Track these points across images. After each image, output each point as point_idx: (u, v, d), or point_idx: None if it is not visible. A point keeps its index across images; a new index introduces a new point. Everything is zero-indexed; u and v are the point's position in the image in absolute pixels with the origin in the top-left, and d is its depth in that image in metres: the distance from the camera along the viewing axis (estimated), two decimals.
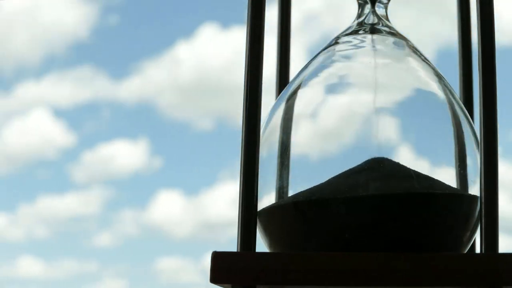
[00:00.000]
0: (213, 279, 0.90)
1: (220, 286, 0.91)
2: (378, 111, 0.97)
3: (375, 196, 0.92)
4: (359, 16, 1.06)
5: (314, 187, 0.94)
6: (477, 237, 0.95)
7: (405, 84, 1.00)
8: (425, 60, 1.02)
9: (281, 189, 0.98)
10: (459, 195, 0.95)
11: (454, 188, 0.96)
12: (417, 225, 0.91)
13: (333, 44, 1.04)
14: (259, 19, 0.96)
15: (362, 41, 1.04)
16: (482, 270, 0.87)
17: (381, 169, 0.94)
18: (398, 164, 0.94)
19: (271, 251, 0.97)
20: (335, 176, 0.94)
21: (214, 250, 0.90)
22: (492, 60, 0.93)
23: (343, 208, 0.92)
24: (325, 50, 1.04)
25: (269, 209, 0.96)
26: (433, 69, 1.02)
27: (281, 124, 1.00)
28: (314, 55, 1.05)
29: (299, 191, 0.95)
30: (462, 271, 0.87)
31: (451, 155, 0.98)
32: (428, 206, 0.92)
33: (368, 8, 1.05)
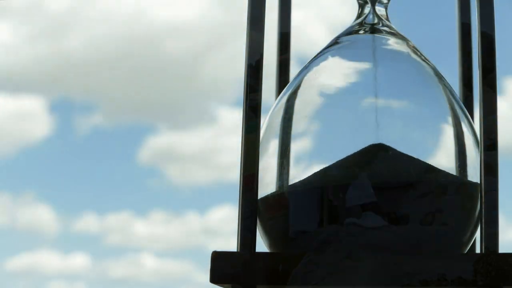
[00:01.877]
0: (213, 279, 0.90)
1: (220, 286, 0.91)
2: (378, 111, 0.97)
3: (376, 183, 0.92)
4: (359, 16, 1.06)
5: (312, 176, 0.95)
6: (477, 237, 0.95)
7: (405, 84, 1.00)
8: (425, 60, 1.02)
9: (281, 189, 0.98)
10: (461, 182, 0.96)
11: (455, 175, 0.96)
12: (420, 214, 0.92)
13: (333, 44, 1.04)
14: (259, 20, 0.96)
15: (362, 41, 1.04)
16: (482, 270, 0.87)
17: (380, 160, 0.94)
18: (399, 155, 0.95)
19: (271, 251, 0.97)
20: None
21: (214, 250, 0.90)
22: (492, 60, 0.93)
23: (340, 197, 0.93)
24: (325, 50, 1.04)
25: (265, 198, 0.97)
26: (433, 69, 1.02)
27: (281, 124, 1.00)
28: (314, 55, 1.05)
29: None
30: (462, 271, 0.87)
31: (451, 155, 0.98)
32: (430, 194, 0.92)
33: (368, 8, 1.05)
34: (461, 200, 0.94)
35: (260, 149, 0.94)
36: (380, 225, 0.91)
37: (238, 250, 0.91)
